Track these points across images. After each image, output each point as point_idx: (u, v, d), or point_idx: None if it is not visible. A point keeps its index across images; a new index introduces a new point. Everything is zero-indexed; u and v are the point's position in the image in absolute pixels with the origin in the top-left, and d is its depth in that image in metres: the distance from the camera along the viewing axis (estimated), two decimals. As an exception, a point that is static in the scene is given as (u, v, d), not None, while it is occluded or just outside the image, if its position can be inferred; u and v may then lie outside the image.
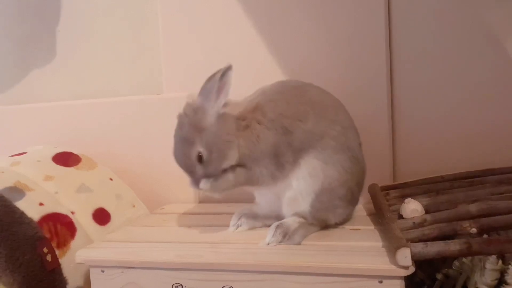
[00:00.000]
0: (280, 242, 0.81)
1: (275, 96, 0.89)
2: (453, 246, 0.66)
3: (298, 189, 0.86)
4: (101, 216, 1.03)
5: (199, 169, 0.84)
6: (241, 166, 0.86)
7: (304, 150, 0.85)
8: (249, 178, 0.86)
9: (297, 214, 0.87)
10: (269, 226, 0.86)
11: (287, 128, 0.85)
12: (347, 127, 0.89)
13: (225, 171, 0.85)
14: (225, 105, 0.85)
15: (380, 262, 0.70)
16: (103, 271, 0.82)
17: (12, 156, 1.12)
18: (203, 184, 0.85)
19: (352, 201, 0.90)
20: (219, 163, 0.84)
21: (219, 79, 0.82)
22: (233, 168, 0.85)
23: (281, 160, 0.85)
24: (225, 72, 0.82)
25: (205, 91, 0.85)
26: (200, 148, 0.83)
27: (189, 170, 0.86)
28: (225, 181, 0.85)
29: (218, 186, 0.85)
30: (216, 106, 0.84)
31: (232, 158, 0.85)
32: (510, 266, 0.72)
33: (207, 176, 0.85)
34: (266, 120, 0.85)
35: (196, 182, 0.86)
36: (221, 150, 0.84)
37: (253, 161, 0.85)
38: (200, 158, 0.84)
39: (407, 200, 0.83)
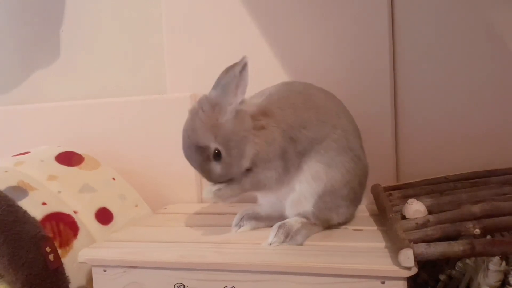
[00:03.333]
0: (283, 242, 0.81)
1: (283, 102, 0.88)
2: (456, 247, 0.66)
3: (301, 191, 0.86)
4: (104, 216, 1.03)
5: (216, 168, 0.82)
6: (246, 173, 0.85)
7: (306, 155, 0.86)
8: (255, 184, 0.85)
9: (299, 215, 0.87)
10: (271, 226, 0.85)
11: (293, 138, 0.85)
12: (347, 129, 0.88)
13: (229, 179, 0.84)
14: (242, 102, 0.83)
15: (382, 263, 0.70)
16: (105, 271, 0.82)
17: (15, 155, 1.12)
18: (206, 193, 0.84)
19: (355, 200, 0.90)
20: (238, 162, 0.82)
21: (239, 73, 0.79)
22: (238, 177, 0.84)
23: (288, 164, 0.85)
24: (243, 66, 0.80)
25: (223, 86, 0.81)
26: (216, 145, 0.81)
27: (204, 171, 0.83)
28: (229, 190, 0.84)
29: (222, 195, 0.83)
30: (234, 102, 0.81)
31: (249, 155, 0.83)
32: (514, 267, 0.71)
33: (224, 176, 0.83)
34: (279, 128, 0.85)
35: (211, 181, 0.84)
36: (239, 148, 0.82)
37: (265, 163, 0.84)
38: (217, 156, 0.81)
39: (410, 200, 0.83)
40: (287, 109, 0.87)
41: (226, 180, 0.84)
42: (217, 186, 0.83)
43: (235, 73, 0.80)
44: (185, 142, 0.84)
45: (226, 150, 0.81)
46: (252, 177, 0.85)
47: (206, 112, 0.82)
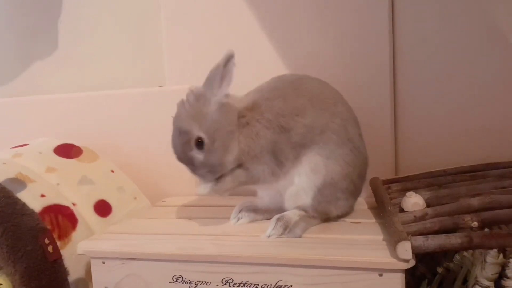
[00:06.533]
0: (281, 235, 0.81)
1: (272, 93, 0.88)
2: (454, 239, 0.66)
3: (300, 184, 0.86)
4: (103, 208, 1.03)
5: (199, 157, 0.83)
6: (239, 167, 0.85)
7: (305, 146, 0.85)
8: (249, 177, 0.86)
9: (298, 207, 0.87)
10: (270, 219, 0.85)
11: (284, 126, 0.84)
12: (346, 118, 0.88)
13: (223, 174, 0.85)
14: (227, 96, 0.84)
15: (380, 255, 0.70)
16: (104, 263, 0.83)
17: (14, 147, 1.12)
18: (202, 189, 0.84)
19: (355, 193, 0.90)
20: (221, 153, 0.83)
21: (223, 66, 0.81)
22: (232, 170, 0.85)
23: (280, 158, 0.85)
24: (228, 59, 0.81)
25: (208, 80, 0.84)
26: (200, 134, 0.82)
27: (187, 160, 0.84)
28: (224, 183, 0.85)
29: (218, 189, 0.85)
30: (218, 94, 0.83)
31: (233, 151, 0.84)
32: (511, 260, 0.72)
33: (208, 167, 0.83)
34: (264, 120, 0.85)
35: (198, 175, 0.85)
36: (224, 140, 0.83)
37: (252, 158, 0.84)
38: (200, 144, 0.82)
39: (409, 193, 0.83)
40: (276, 99, 0.86)
41: (207, 173, 0.84)
42: (214, 182, 0.84)
43: (220, 66, 0.81)
44: (172, 131, 0.86)
45: (210, 139, 0.82)
46: (246, 171, 0.85)
47: (191, 102, 0.84)
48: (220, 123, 0.83)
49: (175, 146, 0.86)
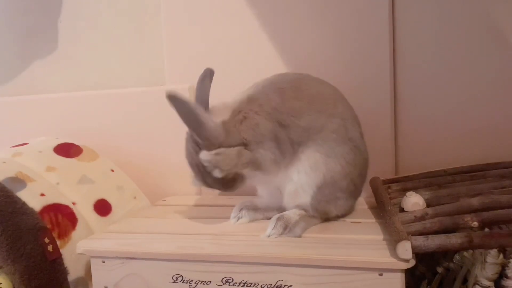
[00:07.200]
0: (281, 234, 0.81)
1: (268, 87, 0.88)
2: (454, 239, 0.66)
3: (299, 182, 0.86)
4: (102, 207, 1.03)
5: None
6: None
7: (303, 144, 0.85)
8: (252, 160, 0.84)
9: (298, 207, 0.87)
10: (270, 218, 0.85)
11: (282, 122, 0.84)
12: (346, 118, 0.88)
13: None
14: (209, 113, 0.84)
15: (380, 255, 0.70)
16: (103, 262, 0.83)
17: (14, 146, 1.12)
18: (204, 155, 0.80)
19: (355, 193, 0.90)
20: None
21: (188, 106, 0.80)
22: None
23: (282, 147, 0.84)
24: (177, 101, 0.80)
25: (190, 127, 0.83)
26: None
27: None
28: (227, 157, 0.81)
29: (220, 161, 0.80)
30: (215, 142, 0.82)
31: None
32: (511, 260, 0.72)
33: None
34: (263, 112, 0.84)
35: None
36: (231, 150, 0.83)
37: (257, 143, 0.83)
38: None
39: (409, 193, 0.83)
40: (272, 93, 0.86)
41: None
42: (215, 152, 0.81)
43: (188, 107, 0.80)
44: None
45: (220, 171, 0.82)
46: (249, 153, 0.83)
47: (194, 149, 0.84)
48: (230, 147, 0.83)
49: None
